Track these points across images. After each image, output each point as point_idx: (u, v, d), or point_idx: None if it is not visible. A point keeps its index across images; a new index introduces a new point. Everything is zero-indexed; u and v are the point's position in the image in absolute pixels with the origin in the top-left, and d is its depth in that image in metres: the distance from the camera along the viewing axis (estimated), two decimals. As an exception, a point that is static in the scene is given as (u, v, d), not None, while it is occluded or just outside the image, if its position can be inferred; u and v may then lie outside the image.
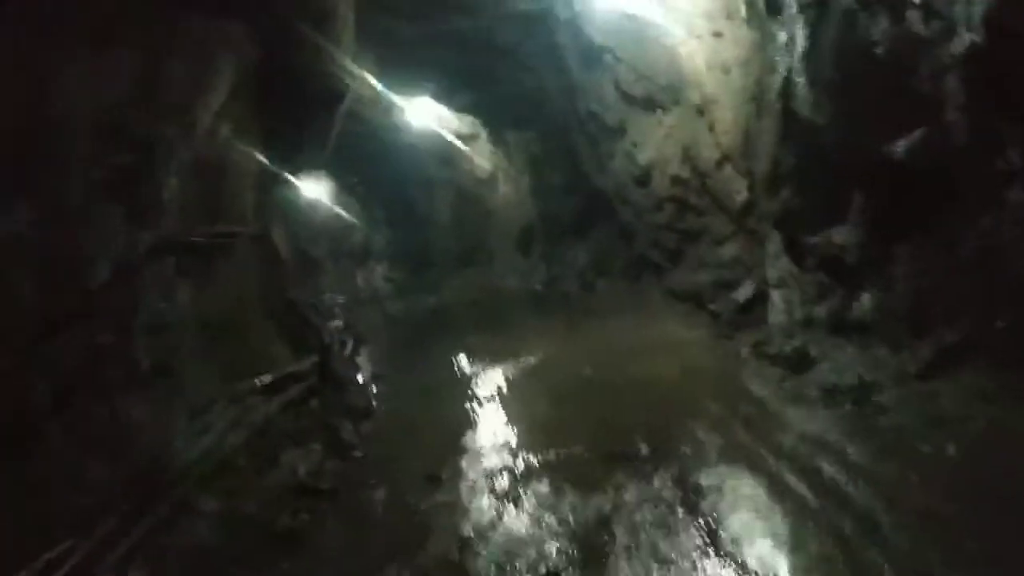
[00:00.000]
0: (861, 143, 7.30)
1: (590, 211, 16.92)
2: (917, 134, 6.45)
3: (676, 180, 12.16)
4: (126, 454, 6.77)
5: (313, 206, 35.38)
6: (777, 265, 9.44)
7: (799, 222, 8.67)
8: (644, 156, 12.84)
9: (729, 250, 11.33)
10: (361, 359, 12.96)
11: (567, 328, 12.85)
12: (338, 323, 18.99)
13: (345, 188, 33.77)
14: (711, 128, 11.13)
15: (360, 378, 11.10)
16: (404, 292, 26.76)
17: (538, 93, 16.97)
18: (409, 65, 19.03)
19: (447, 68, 18.55)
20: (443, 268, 26.55)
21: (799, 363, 7.50)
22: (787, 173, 8.61)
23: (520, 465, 6.37)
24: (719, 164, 11.12)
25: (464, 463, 6.63)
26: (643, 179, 13.02)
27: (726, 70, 10.27)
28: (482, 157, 23.01)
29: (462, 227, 25.26)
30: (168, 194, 8.20)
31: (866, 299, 7.65)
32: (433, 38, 16.97)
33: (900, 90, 6.59)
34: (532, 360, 10.40)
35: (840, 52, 7.19)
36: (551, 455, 6.43)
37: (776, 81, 8.42)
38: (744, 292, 10.26)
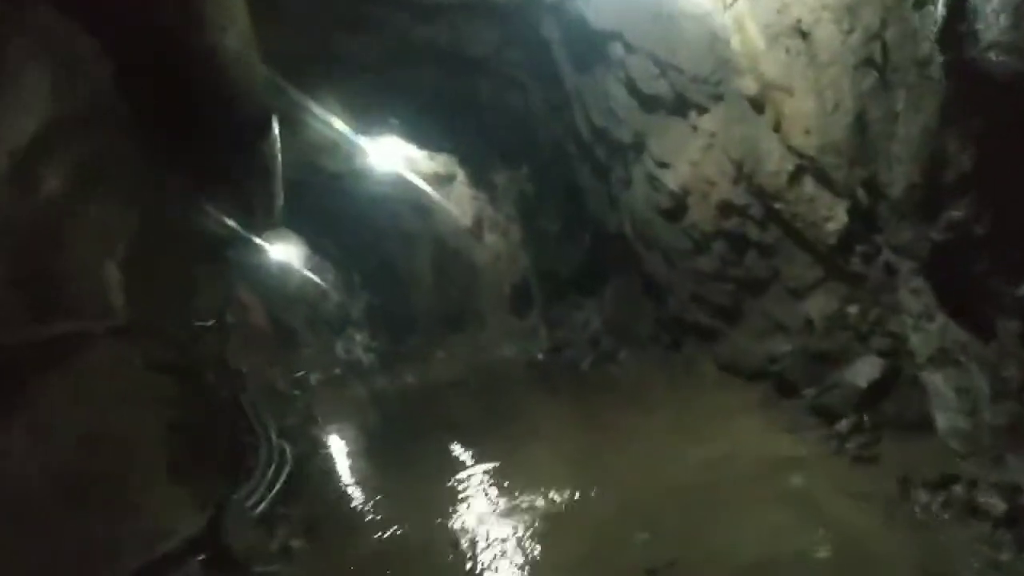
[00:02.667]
0: None
1: (600, 260, 13.30)
2: None
3: (726, 207, 8.55)
4: None
5: (285, 270, 32.21)
6: (931, 330, 5.77)
7: (985, 261, 5.01)
8: (675, 179, 9.24)
9: (818, 304, 7.67)
10: (301, 498, 9.17)
11: (589, 425, 9.13)
12: (294, 420, 15.34)
13: (317, 249, 30.64)
14: (777, 127, 7.56)
15: (282, 543, 7.31)
16: (386, 364, 23.14)
17: (524, 114, 13.46)
18: (372, 99, 15.72)
19: (414, 95, 15.17)
20: (428, 335, 22.94)
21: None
22: (958, 178, 4.96)
23: None
24: (794, 179, 7.54)
25: None
26: (675, 211, 9.41)
27: (803, 33, 6.73)
28: (462, 202, 19.47)
29: (446, 286, 21.63)
30: None
31: None
32: (396, 58, 13.61)
33: None
34: (552, 500, 6.66)
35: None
36: None
37: (929, 22, 4.83)
38: (865, 371, 6.55)
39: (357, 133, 17.44)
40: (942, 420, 5.48)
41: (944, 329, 5.65)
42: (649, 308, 11.03)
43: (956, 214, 5.03)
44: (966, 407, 5.34)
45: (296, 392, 20.51)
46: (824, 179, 7.14)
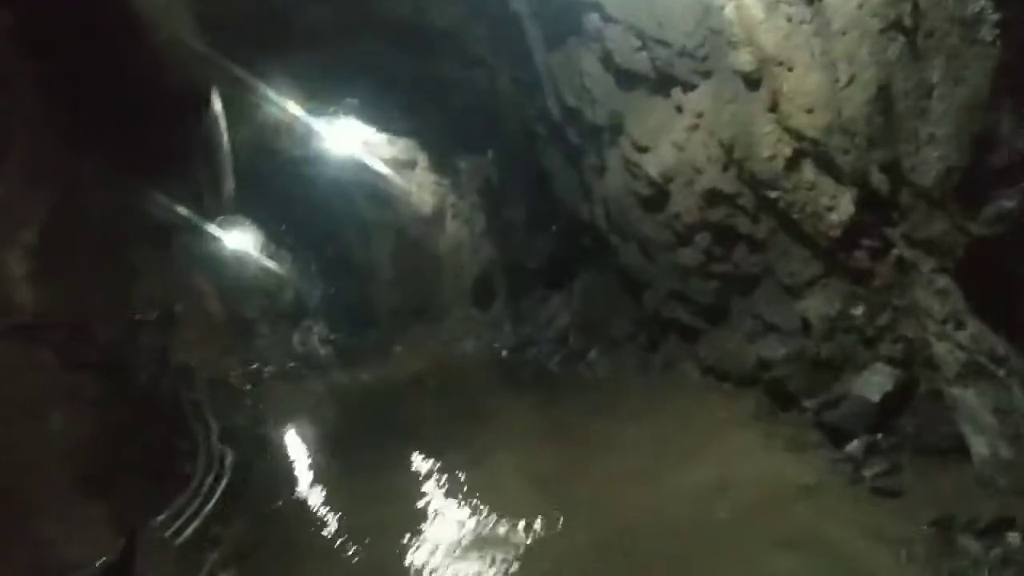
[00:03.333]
0: None
1: (569, 252, 12.45)
2: None
3: (713, 196, 7.72)
4: None
5: (240, 259, 31.04)
6: (960, 338, 4.98)
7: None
8: (655, 164, 8.39)
9: (817, 304, 6.87)
10: (237, 515, 8.20)
11: (558, 435, 8.28)
12: (242, 419, 14.32)
13: (273, 238, 29.55)
14: (774, 107, 6.74)
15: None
16: (343, 358, 22.11)
17: (490, 94, 12.53)
18: (327, 76, 14.70)
19: (372, 73, 14.16)
20: (388, 327, 21.93)
21: None
22: (1011, 161, 4.16)
23: None
24: (792, 164, 6.73)
25: None
26: (655, 199, 8.56)
27: (809, -1, 5.91)
28: (423, 190, 18.49)
29: (406, 277, 20.65)
30: None
31: None
32: (353, 31, 12.61)
33: None
34: (519, 530, 5.80)
35: None
36: None
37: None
38: (876, 382, 5.76)
39: (312, 114, 16.40)
40: (979, 446, 4.69)
41: (977, 338, 4.86)
42: (623, 304, 10.20)
43: (1007, 204, 4.22)
44: (1008, 432, 4.56)
45: (248, 387, 19.48)
46: (828, 164, 6.34)
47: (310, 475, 9.46)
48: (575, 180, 10.81)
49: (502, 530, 5.84)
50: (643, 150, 8.53)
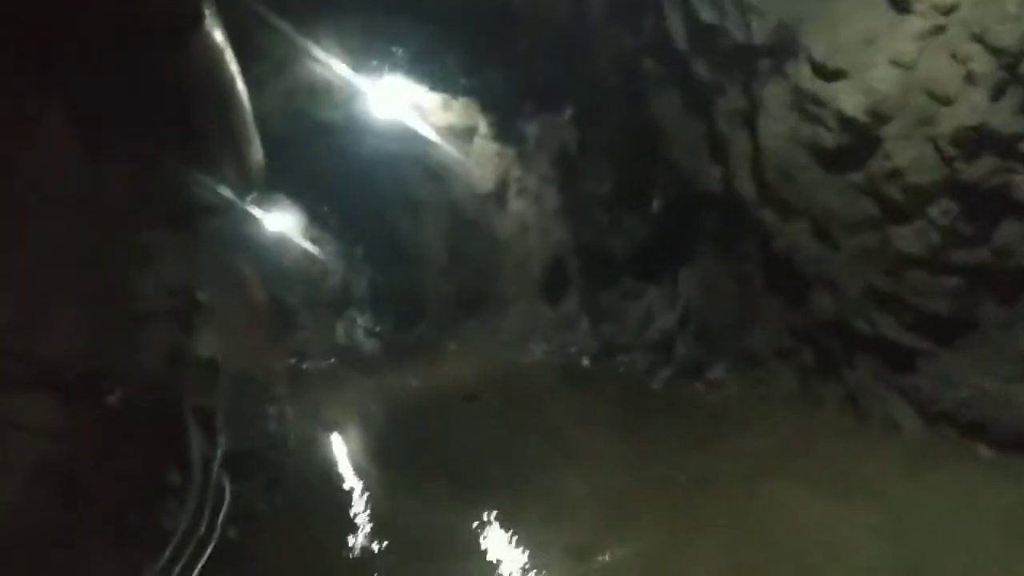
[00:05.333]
0: None
1: (674, 234, 9.54)
2: None
3: (974, 139, 4.78)
4: None
5: (281, 243, 29.03)
6: None
7: None
8: (856, 96, 5.44)
9: None
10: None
11: (699, 516, 5.39)
12: (262, 439, 11.83)
13: (314, 218, 27.40)
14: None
15: None
16: (390, 354, 19.64)
17: (574, 29, 9.64)
18: (370, 21, 12.16)
19: (420, 14, 11.49)
20: (439, 321, 19.42)
21: None
22: None
23: None
24: None
25: None
26: (849, 151, 5.62)
27: None
28: (483, 161, 15.74)
29: (461, 264, 18.01)
30: None
31: None
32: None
33: None
34: None
35: None
36: None
37: None
38: None
39: (352, 70, 13.78)
40: None
41: None
42: (770, 306, 7.27)
43: None
44: None
45: (281, 390, 17.01)
46: None
47: (332, 543, 6.73)
48: (699, 133, 7.86)
49: None
50: (834, 76, 5.59)
